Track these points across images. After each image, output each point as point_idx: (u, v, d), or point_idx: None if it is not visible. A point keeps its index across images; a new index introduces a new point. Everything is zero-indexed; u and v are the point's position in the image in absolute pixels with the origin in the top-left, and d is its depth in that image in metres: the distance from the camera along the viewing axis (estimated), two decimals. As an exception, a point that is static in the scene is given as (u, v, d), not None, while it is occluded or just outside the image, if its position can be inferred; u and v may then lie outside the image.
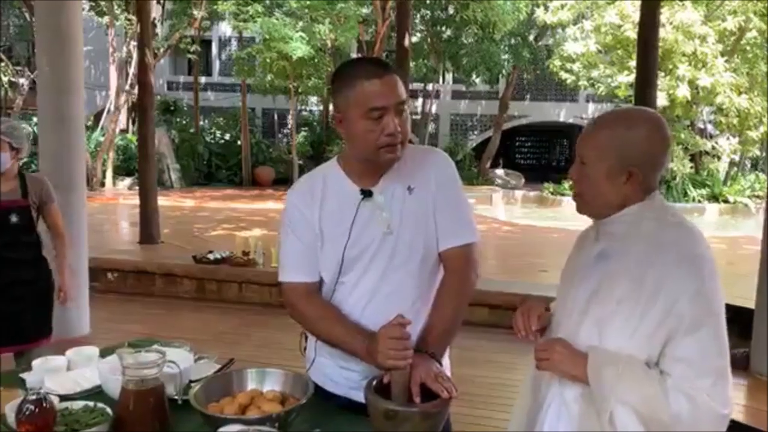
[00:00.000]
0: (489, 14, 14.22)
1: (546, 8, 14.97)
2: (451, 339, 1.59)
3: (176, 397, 1.54)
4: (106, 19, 16.18)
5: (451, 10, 16.39)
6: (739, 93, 12.83)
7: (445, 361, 1.62)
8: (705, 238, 1.26)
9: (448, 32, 16.71)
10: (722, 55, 12.90)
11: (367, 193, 1.54)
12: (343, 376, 1.61)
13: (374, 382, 1.44)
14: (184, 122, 18.76)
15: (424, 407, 1.37)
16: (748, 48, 13.27)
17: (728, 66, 12.80)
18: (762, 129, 13.48)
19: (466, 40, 16.44)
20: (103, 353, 1.85)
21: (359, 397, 1.56)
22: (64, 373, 1.76)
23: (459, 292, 1.60)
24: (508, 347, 4.28)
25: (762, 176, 14.97)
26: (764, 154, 16.21)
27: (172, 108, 18.93)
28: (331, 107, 15.82)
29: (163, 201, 9.72)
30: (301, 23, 13.97)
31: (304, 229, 1.57)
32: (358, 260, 1.54)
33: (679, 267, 1.19)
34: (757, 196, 13.72)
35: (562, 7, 14.45)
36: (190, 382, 1.66)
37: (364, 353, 1.46)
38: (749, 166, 16.04)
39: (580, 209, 1.37)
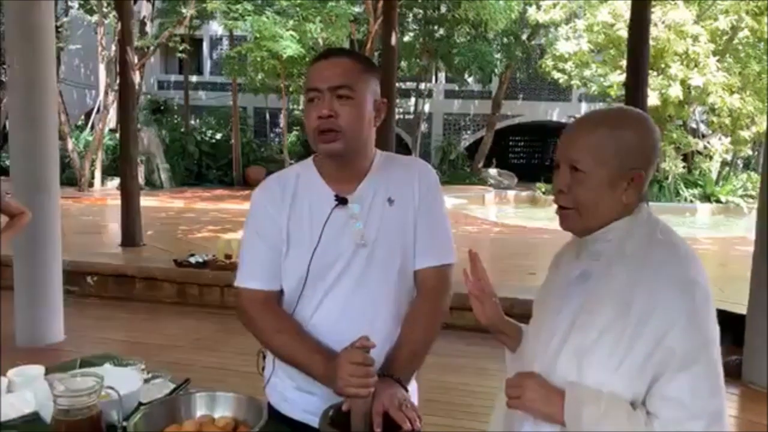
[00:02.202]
0: (481, 13, 14.12)
1: (538, 7, 14.92)
2: (420, 363, 1.46)
3: (118, 425, 1.41)
4: (95, 17, 16.00)
5: (443, 9, 16.30)
6: (732, 93, 12.79)
7: (412, 386, 1.49)
8: (698, 259, 1.12)
9: (441, 31, 16.62)
10: (714, 54, 12.85)
11: (341, 200, 1.41)
12: (302, 399, 1.48)
13: (331, 412, 1.31)
14: (174, 121, 18.60)
15: (384, 440, 1.24)
16: (740, 48, 13.24)
17: (720, 65, 12.76)
18: (754, 129, 13.44)
19: (458, 39, 16.36)
20: (59, 369, 1.71)
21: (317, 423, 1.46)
22: (2, 395, 1.62)
23: (431, 314, 1.47)
24: (497, 353, 4.15)
25: (754, 176, 14.92)
26: (756, 153, 16.18)
27: (162, 107, 18.77)
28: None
29: (151, 201, 9.65)
30: (291, 22, 13.83)
31: (270, 231, 1.43)
32: (325, 273, 1.41)
33: (670, 293, 1.06)
34: (750, 196, 13.67)
35: (555, 6, 14.40)
36: (140, 404, 1.54)
37: (322, 376, 1.33)
38: (741, 165, 16.00)
39: (572, 225, 1.20)
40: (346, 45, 17.57)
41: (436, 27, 16.61)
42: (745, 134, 13.47)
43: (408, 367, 1.42)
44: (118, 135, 16.34)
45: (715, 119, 13.40)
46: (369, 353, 1.27)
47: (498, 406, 1.38)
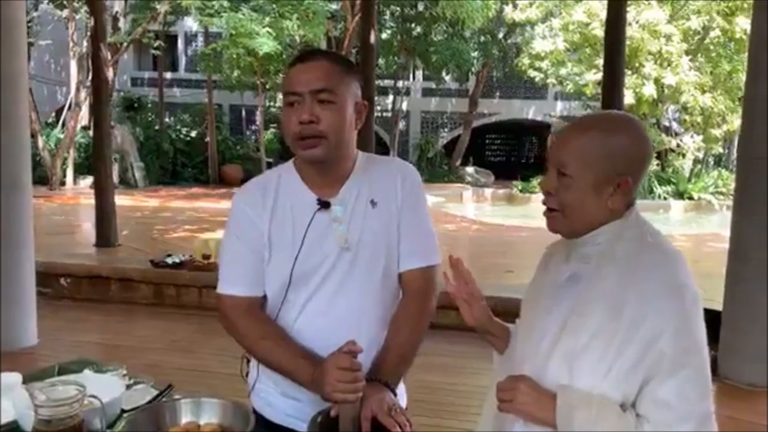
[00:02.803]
0: (459, 11, 14.17)
1: (515, 6, 15.01)
2: (408, 367, 1.44)
3: (101, 433, 1.38)
4: (65, 12, 15.67)
5: (420, 7, 16.32)
6: (703, 92, 13.03)
7: (400, 389, 1.48)
8: (685, 261, 1.13)
9: (418, 29, 16.63)
10: (687, 54, 13.08)
11: (324, 204, 1.39)
12: (287, 404, 1.46)
13: (319, 418, 1.29)
14: (148, 119, 18.33)
15: (374, 445, 1.23)
16: (711, 47, 13.49)
17: (692, 65, 12.99)
18: (725, 127, 13.73)
19: (435, 37, 16.40)
20: (37, 376, 1.66)
21: (304, 428, 1.43)
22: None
23: (418, 316, 1.46)
24: (480, 352, 4.15)
25: (725, 173, 15.24)
26: (726, 151, 16.53)
27: (136, 104, 18.48)
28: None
29: (125, 201, 9.50)
30: (268, 19, 13.72)
31: (252, 235, 1.40)
32: (309, 277, 1.39)
33: (661, 298, 1.06)
34: (720, 193, 13.98)
35: (531, 5, 14.52)
36: (123, 411, 1.50)
37: (309, 382, 1.31)
38: (712, 163, 16.32)
39: (558, 226, 1.20)
40: (323, 42, 17.50)
41: (413, 25, 16.62)
42: (717, 132, 13.75)
43: (396, 370, 1.41)
44: (90, 132, 16.19)
45: (687, 118, 13.65)
46: (356, 358, 1.26)
47: (487, 407, 1.38)
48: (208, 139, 17.01)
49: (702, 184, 14.11)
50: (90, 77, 14.82)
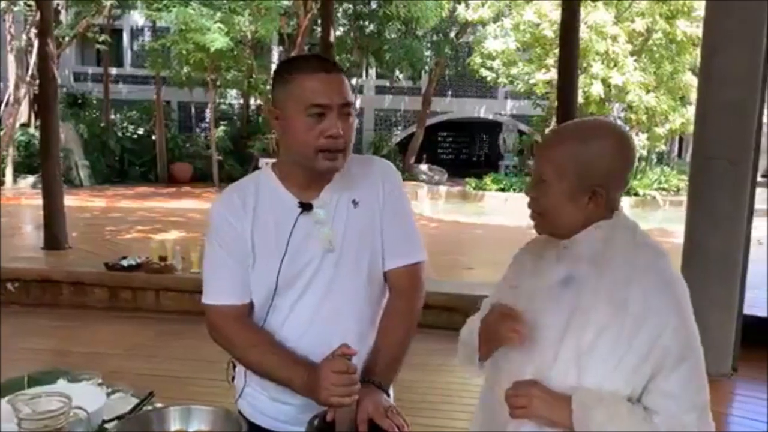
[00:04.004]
0: (412, 10, 14.23)
1: (467, 5, 15.18)
2: (399, 367, 1.45)
3: (85, 447, 1.33)
4: (3, 4, 14.95)
5: (374, 5, 16.32)
6: (648, 91, 13.50)
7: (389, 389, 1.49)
8: (670, 259, 1.19)
9: (371, 27, 16.63)
10: (632, 54, 13.53)
11: (306, 206, 1.37)
12: (276, 409, 1.45)
13: (316, 421, 1.29)
14: (93, 116, 17.67)
15: (373, 448, 1.23)
16: (654, 48, 13.97)
17: (637, 65, 13.44)
18: (668, 126, 14.27)
19: (389, 35, 16.43)
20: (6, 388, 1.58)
21: (295, 432, 1.43)
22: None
23: (407, 315, 1.47)
24: (435, 348, 4.18)
25: (667, 170, 15.86)
26: (668, 149, 17.21)
27: (79, 101, 17.81)
28: (252, 101, 15.35)
29: (71, 201, 9.12)
30: (219, 14, 13.44)
31: (234, 243, 1.38)
32: (295, 281, 1.38)
33: (660, 294, 1.11)
34: (664, 189, 14.54)
35: (483, 4, 14.70)
36: (103, 422, 1.46)
37: (303, 388, 1.30)
38: (656, 160, 16.95)
39: (541, 229, 1.25)
40: (276, 39, 17.32)
41: (366, 22, 16.61)
42: (660, 131, 14.27)
43: (388, 372, 1.42)
44: (30, 130, 15.54)
45: (633, 116, 14.11)
46: (351, 360, 1.26)
47: (480, 408, 1.40)
48: (156, 136, 16.54)
49: (647, 181, 14.62)
50: (29, 73, 14.30)
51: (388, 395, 1.38)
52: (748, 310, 4.03)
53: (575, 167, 1.14)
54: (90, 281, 5.46)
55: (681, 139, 19.57)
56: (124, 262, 5.52)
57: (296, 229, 1.37)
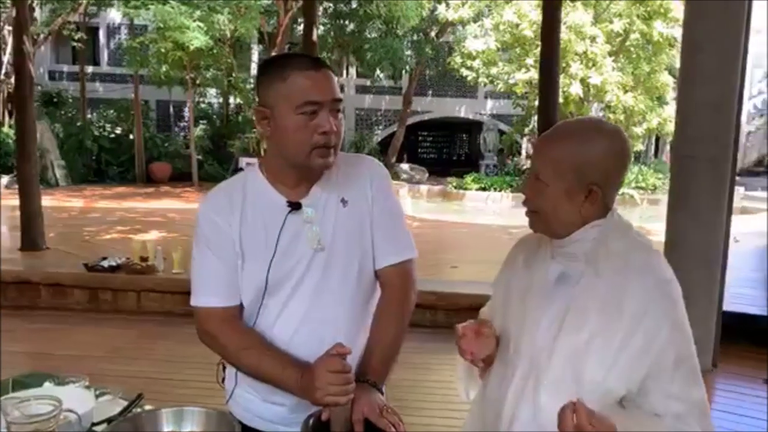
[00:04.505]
0: (393, 9, 14.24)
1: (447, 5, 15.23)
2: (393, 364, 1.45)
3: (76, 449, 1.31)
4: (-26, 2, 14.66)
5: (354, 4, 16.29)
6: (625, 91, 13.67)
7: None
8: (663, 257, 1.20)
9: (351, 26, 16.60)
10: (610, 55, 13.69)
11: (295, 205, 1.37)
12: (268, 410, 1.44)
13: (311, 421, 1.28)
14: (69, 115, 17.40)
15: (369, 447, 1.23)
16: (632, 49, 14.16)
17: (615, 65, 13.61)
18: (645, 125, 14.47)
19: (369, 34, 16.41)
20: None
21: (289, 433, 1.42)
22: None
23: (400, 313, 1.46)
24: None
25: (645, 169, 16.08)
26: (645, 149, 17.45)
27: (55, 99, 17.51)
28: (231, 100, 15.15)
29: (47, 201, 8.94)
30: (198, 12, 13.32)
31: (222, 244, 1.37)
32: (285, 280, 1.37)
33: (656, 294, 1.12)
34: (641, 188, 14.75)
35: (463, 4, 14.75)
36: (93, 425, 1.43)
37: (298, 388, 1.30)
38: (633, 159, 17.17)
39: (536, 227, 1.25)
40: (256, 38, 17.20)
41: (347, 22, 16.58)
42: (638, 130, 14.46)
43: (382, 370, 1.42)
44: (5, 129, 15.22)
45: (611, 116, 14.27)
46: (345, 359, 1.26)
47: (472, 412, 1.41)
48: (134, 136, 16.32)
49: (625, 180, 14.82)
50: (3, 71, 14.01)
51: (382, 394, 1.38)
52: (727, 307, 4.11)
53: (573, 166, 1.15)
54: (69, 283, 5.37)
55: (657, 139, 19.86)
56: (105, 263, 5.45)
57: (285, 228, 1.36)
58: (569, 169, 1.15)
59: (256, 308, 1.39)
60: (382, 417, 1.27)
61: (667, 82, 14.24)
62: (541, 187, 1.19)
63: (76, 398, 1.45)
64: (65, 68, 19.70)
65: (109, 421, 1.46)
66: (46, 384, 1.64)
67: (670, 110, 14.36)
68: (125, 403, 1.60)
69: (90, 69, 18.97)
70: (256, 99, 1.40)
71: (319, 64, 1.33)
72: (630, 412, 1.11)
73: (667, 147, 22.15)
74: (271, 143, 1.38)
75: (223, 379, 1.54)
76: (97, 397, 1.59)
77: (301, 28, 16.80)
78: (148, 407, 1.56)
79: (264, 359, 1.35)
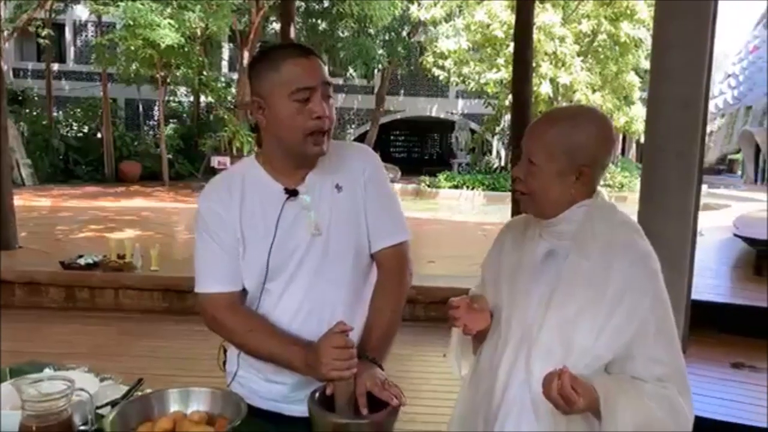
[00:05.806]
0: (365, 8, 14.28)
1: (419, 5, 15.32)
2: (391, 342, 1.52)
3: (85, 428, 1.34)
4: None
5: (326, 3, 16.28)
6: (594, 91, 13.96)
7: (381, 365, 1.55)
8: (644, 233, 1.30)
9: (324, 25, 16.59)
10: (579, 55, 13.95)
11: (292, 193, 1.42)
12: (271, 389, 1.50)
13: (317, 395, 1.34)
14: (34, 113, 17.02)
15: (374, 418, 1.29)
16: (600, 49, 14.46)
17: (584, 66, 13.88)
18: (612, 124, 14.78)
19: (342, 33, 16.42)
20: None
21: (290, 410, 1.48)
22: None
23: (396, 293, 1.53)
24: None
25: (612, 167, 16.44)
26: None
27: (20, 97, 17.11)
28: (203, 98, 14.94)
29: (14, 200, 8.78)
30: (169, 9, 13.16)
31: (223, 233, 1.42)
32: (284, 265, 1.43)
33: (638, 268, 1.22)
34: (608, 186, 15.10)
35: (435, 4, 14.86)
36: (96, 408, 1.46)
37: (302, 366, 1.35)
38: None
39: (528, 208, 1.34)
40: (227, 36, 17.06)
41: (319, 20, 16.56)
42: (606, 129, 14.75)
43: (382, 347, 1.48)
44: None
45: (579, 115, 14.57)
46: (348, 336, 1.32)
47: (465, 385, 1.48)
48: (102, 134, 16.07)
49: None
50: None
51: (383, 369, 1.45)
52: (695, 296, 4.27)
53: (565, 148, 1.24)
54: (44, 281, 5.30)
55: (624, 138, 20.29)
56: (82, 261, 5.39)
57: (283, 215, 1.41)
58: (561, 151, 1.24)
59: (258, 293, 1.44)
60: (384, 390, 1.33)
61: (633, 82, 14.59)
62: (534, 170, 1.27)
63: (82, 381, 1.48)
64: (30, 65, 19.28)
65: (112, 404, 1.49)
66: (47, 370, 1.66)
67: (636, 109, 14.71)
68: (126, 388, 1.64)
69: (56, 66, 18.59)
70: (246, 95, 1.45)
71: (309, 52, 1.40)
72: (612, 376, 1.21)
73: (634, 146, 22.69)
74: (268, 133, 1.43)
75: (224, 362, 1.58)
76: (99, 381, 1.62)
77: (272, 26, 16.76)
78: (149, 391, 1.59)
79: (270, 340, 1.40)
